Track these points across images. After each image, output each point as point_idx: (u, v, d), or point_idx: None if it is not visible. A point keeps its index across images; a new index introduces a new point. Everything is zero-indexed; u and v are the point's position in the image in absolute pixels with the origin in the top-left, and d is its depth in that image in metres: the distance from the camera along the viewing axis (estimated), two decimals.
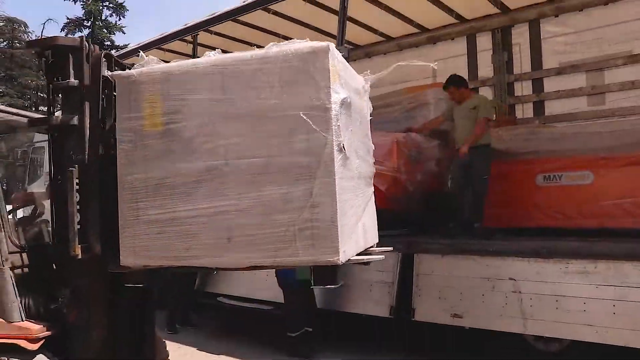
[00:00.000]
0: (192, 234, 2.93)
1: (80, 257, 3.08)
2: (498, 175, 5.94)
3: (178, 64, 3.08)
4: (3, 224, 3.41)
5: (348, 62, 3.67)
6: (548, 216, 5.90)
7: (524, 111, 7.62)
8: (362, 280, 5.67)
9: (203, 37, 8.30)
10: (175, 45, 8.67)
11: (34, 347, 3.20)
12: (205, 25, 8.06)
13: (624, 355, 4.36)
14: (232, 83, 2.92)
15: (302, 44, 2.86)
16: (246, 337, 6.67)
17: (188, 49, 8.47)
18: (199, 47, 8.21)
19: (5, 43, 31.58)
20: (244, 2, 7.59)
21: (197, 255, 2.94)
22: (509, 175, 6.03)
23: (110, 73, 3.23)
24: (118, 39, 33.45)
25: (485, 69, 8.02)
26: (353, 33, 8.04)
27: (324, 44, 2.79)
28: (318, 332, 5.95)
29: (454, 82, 6.31)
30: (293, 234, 2.79)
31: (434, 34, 8.45)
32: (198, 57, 7.71)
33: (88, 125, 3.24)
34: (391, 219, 4.97)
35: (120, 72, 3.21)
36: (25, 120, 3.59)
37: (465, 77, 7.94)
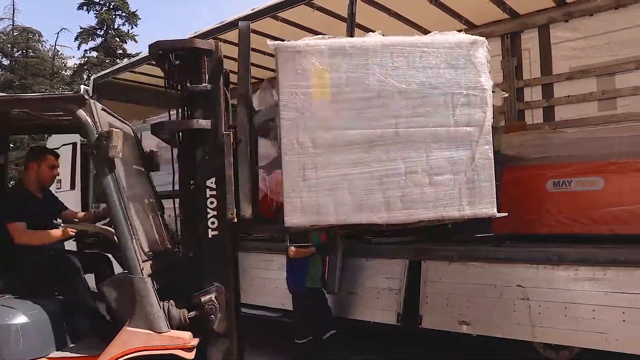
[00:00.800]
0: (363, 193, 3.38)
1: (236, 220, 3.37)
2: (508, 181, 5.89)
3: (347, 40, 3.62)
4: (134, 232, 3.37)
5: None
6: (559, 222, 5.81)
7: (534, 117, 7.54)
8: (369, 287, 5.66)
9: None
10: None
11: (190, 355, 3.23)
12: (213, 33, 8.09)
13: None
14: (401, 62, 3.45)
15: (462, 35, 3.65)
16: (254, 344, 6.65)
17: None
18: None
19: (20, 52, 32.06)
20: (252, 9, 7.62)
21: (367, 213, 3.40)
22: (519, 181, 5.98)
23: (271, 43, 3.48)
24: (130, 47, 33.84)
25: (495, 74, 7.91)
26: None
27: (480, 37, 3.62)
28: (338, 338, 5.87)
29: None
30: (459, 192, 3.46)
31: None
32: None
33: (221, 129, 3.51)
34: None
35: (283, 42, 3.48)
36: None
37: None
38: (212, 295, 3.35)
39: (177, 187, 3.64)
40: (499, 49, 7.89)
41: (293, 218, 3.34)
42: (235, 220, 3.38)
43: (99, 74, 11.12)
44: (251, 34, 7.68)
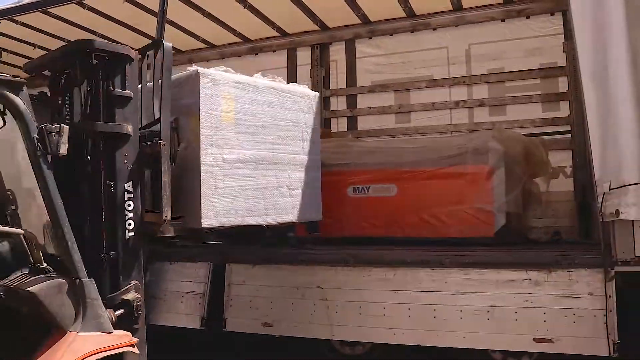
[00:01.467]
0: (253, 201, 4.50)
1: (168, 219, 3.65)
2: None
3: (246, 77, 4.64)
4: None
5: None
6: (358, 226, 6.18)
7: (339, 125, 7.95)
8: (172, 291, 5.48)
9: (5, 26, 7.49)
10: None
11: (138, 351, 3.28)
12: (8, 14, 7.27)
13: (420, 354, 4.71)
14: (278, 102, 4.85)
15: (310, 91, 5.50)
16: None
17: None
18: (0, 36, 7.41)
19: None
20: None
21: (254, 217, 4.51)
22: (322, 186, 6.21)
23: (198, 68, 4.24)
24: None
25: (304, 82, 8.18)
26: (174, 37, 7.80)
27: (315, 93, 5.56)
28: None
29: None
30: (304, 202, 5.05)
31: (256, 45, 8.51)
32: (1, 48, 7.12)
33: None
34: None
35: (204, 69, 4.28)
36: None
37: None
38: (135, 293, 3.50)
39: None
40: (309, 58, 8.21)
41: (208, 220, 4.10)
42: (163, 221, 3.64)
43: None
44: (54, 19, 7.31)
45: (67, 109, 3.60)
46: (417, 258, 4.71)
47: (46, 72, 3.92)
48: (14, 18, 7.34)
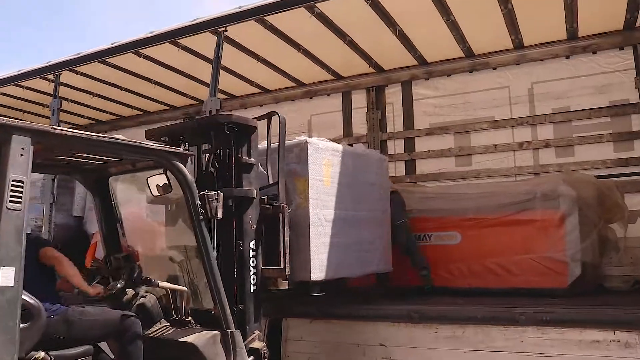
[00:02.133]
0: (345, 255, 4.83)
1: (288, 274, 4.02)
2: None
3: (337, 145, 5.16)
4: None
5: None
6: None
7: (397, 169, 7.70)
8: None
9: (66, 76, 7.71)
10: (36, 83, 8.09)
11: None
12: (69, 65, 7.47)
13: None
14: (357, 164, 5.27)
15: (378, 153, 6.10)
16: None
17: (49, 87, 7.80)
18: (61, 86, 7.60)
19: None
20: (112, 44, 7.14)
21: (347, 268, 4.87)
22: None
23: (307, 138, 4.69)
24: None
25: (360, 126, 8.08)
26: (228, 83, 7.85)
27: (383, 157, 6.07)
28: None
29: None
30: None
31: (311, 89, 8.44)
32: (61, 97, 7.36)
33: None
34: None
35: (312, 139, 4.75)
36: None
37: (340, 132, 8.09)
38: (260, 342, 3.93)
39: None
40: (365, 102, 8.07)
41: (316, 273, 4.48)
42: (285, 276, 4.03)
43: None
44: (110, 68, 7.50)
45: (213, 177, 4.00)
46: (488, 314, 4.36)
47: (164, 139, 4.20)
48: (75, 68, 7.53)
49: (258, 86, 8.53)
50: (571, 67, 6.95)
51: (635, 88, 6.54)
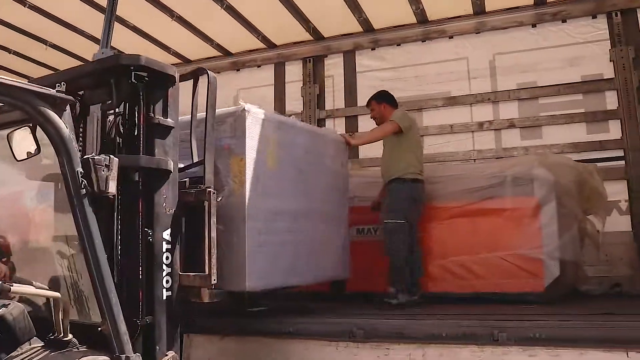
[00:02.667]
0: (294, 258, 3.92)
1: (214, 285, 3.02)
2: None
3: (286, 118, 4.48)
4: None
5: None
6: (364, 280, 4.78)
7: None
8: None
9: None
10: None
11: None
12: None
13: None
14: (312, 145, 4.27)
15: (337, 136, 4.91)
16: None
17: None
18: None
19: None
20: None
21: (297, 276, 3.95)
22: None
23: (245, 105, 3.68)
24: None
25: (294, 102, 6.96)
26: (136, 48, 6.51)
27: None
28: None
29: (376, 96, 5.12)
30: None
31: (238, 59, 7.28)
32: None
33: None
34: None
35: (252, 107, 3.71)
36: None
37: (271, 110, 6.92)
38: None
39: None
40: (300, 74, 7.01)
41: (253, 282, 3.57)
42: (210, 286, 3.02)
43: None
44: None
45: (82, 137, 3.00)
46: (457, 330, 3.25)
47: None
48: None
49: (176, 54, 7.24)
50: (538, 36, 6.11)
51: (610, 61, 5.76)
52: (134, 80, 2.84)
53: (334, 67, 6.91)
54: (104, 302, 2.52)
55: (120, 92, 2.88)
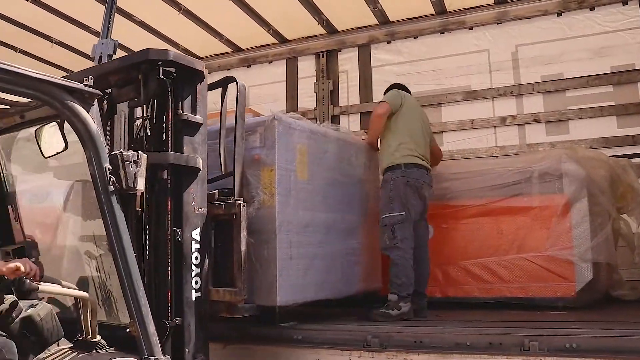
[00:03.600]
0: (326, 272, 3.78)
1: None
2: None
3: (317, 126, 4.21)
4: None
5: None
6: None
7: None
8: None
9: None
10: None
11: None
12: None
13: None
14: (343, 154, 4.14)
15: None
16: None
17: None
18: None
19: None
20: None
21: (329, 289, 3.80)
22: None
23: (275, 113, 3.61)
24: None
25: (307, 98, 6.70)
26: (143, 43, 6.28)
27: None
28: None
29: (389, 89, 4.52)
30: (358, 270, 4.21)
31: (249, 55, 7.04)
32: None
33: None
34: None
35: (282, 116, 3.68)
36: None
37: (283, 106, 6.70)
38: None
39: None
40: (313, 69, 6.73)
41: (284, 297, 3.45)
42: (241, 301, 3.04)
43: None
44: None
45: (109, 136, 2.90)
46: (482, 338, 2.94)
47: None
48: None
49: (185, 50, 6.98)
50: (564, 26, 5.75)
51: None
52: (162, 76, 2.77)
53: (348, 61, 6.61)
54: (132, 302, 2.45)
55: (148, 88, 2.80)
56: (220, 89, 3.32)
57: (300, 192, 3.62)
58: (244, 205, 3.02)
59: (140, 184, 2.49)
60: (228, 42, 6.79)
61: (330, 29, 6.46)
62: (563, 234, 4.14)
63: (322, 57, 6.64)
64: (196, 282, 2.84)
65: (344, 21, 6.36)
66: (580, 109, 5.55)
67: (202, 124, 2.90)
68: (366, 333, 3.15)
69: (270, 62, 6.95)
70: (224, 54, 7.10)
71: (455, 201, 4.57)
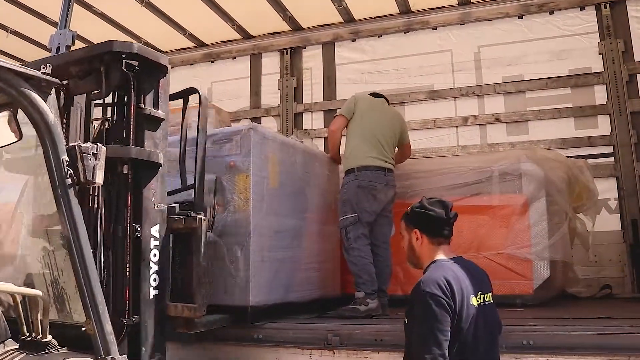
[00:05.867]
0: (293, 275, 3.91)
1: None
2: None
3: (287, 138, 4.33)
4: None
5: None
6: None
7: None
8: None
9: None
10: None
11: None
12: None
13: None
14: (309, 164, 4.26)
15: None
16: None
17: None
18: None
19: None
20: None
21: (295, 292, 3.90)
22: None
23: (252, 124, 3.75)
24: None
25: (271, 95, 6.65)
26: (103, 35, 6.13)
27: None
28: None
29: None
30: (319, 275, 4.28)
31: (212, 50, 6.94)
32: None
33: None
34: None
35: (258, 126, 3.81)
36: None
37: (246, 103, 6.64)
38: None
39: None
40: (277, 66, 6.69)
41: (257, 297, 3.49)
42: (199, 316, 2.91)
43: None
44: None
45: (65, 129, 2.78)
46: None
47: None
48: None
49: (147, 44, 6.82)
50: (524, 28, 5.90)
51: (599, 54, 5.56)
52: (124, 69, 2.70)
53: (312, 59, 6.61)
54: (88, 300, 2.34)
55: (110, 81, 2.73)
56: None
57: (272, 199, 3.72)
58: (204, 220, 2.94)
59: (99, 177, 2.41)
60: (191, 37, 6.70)
61: (295, 26, 6.44)
62: (521, 233, 4.20)
63: (287, 54, 6.61)
64: (154, 280, 2.78)
65: (308, 18, 6.35)
66: (539, 110, 5.67)
67: (163, 119, 2.85)
68: (327, 332, 3.13)
69: (234, 57, 6.89)
70: (187, 48, 7.00)
71: (416, 199, 4.59)
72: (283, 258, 3.79)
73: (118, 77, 2.72)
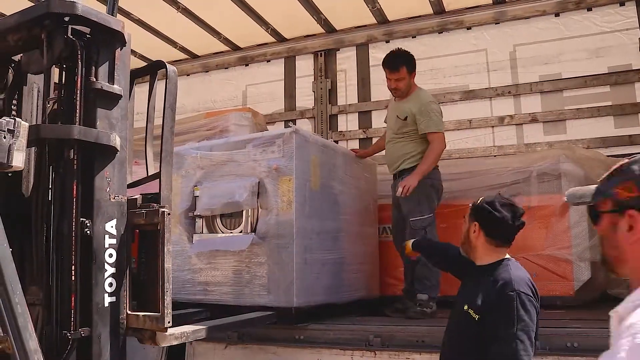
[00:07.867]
0: (334, 276, 4.00)
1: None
2: None
3: (327, 141, 4.78)
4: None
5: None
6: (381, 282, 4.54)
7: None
8: None
9: None
10: None
11: None
12: None
13: None
14: (349, 167, 4.41)
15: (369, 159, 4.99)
16: None
17: None
18: None
19: None
20: None
21: (336, 293, 3.99)
22: None
23: (294, 127, 3.85)
24: None
25: (305, 98, 6.70)
26: (140, 43, 6.26)
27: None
28: None
29: (407, 62, 4.58)
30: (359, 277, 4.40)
31: (247, 54, 7.01)
32: None
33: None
34: None
35: (300, 129, 3.89)
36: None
37: (281, 106, 6.70)
38: None
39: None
40: (311, 69, 6.72)
41: (301, 298, 3.61)
42: (164, 329, 2.47)
43: None
44: None
45: (14, 105, 2.51)
46: None
47: None
48: None
49: (182, 49, 6.99)
50: (561, 26, 5.75)
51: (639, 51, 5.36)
52: (70, 36, 2.31)
53: (346, 60, 6.59)
54: (5, 311, 1.89)
55: (52, 50, 2.30)
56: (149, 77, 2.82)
57: (314, 201, 3.82)
58: (168, 214, 2.47)
59: (18, 160, 2.00)
60: (226, 41, 6.77)
61: (329, 28, 6.46)
62: (561, 234, 4.18)
63: (321, 56, 6.62)
64: (110, 285, 2.39)
65: (342, 20, 6.36)
66: (577, 109, 5.57)
67: (121, 97, 2.46)
68: (368, 333, 3.18)
69: (268, 60, 6.93)
70: (221, 52, 7.07)
71: (454, 201, 4.59)
72: (324, 260, 3.89)
73: (62, 45, 2.31)
